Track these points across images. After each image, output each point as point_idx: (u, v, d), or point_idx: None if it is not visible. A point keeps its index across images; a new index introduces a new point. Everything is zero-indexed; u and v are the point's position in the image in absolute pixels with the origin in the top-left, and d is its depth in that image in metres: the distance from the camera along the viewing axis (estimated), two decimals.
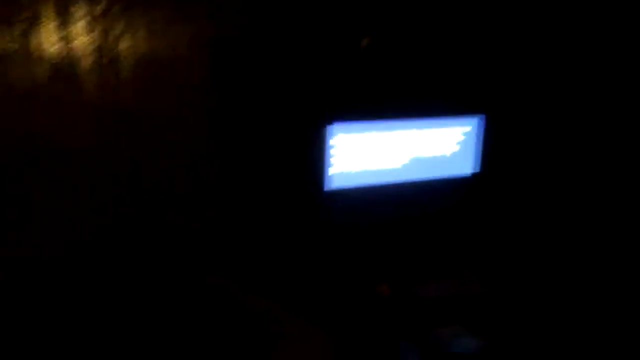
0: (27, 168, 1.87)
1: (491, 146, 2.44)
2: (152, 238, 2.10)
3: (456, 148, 2.38)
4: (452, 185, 2.43)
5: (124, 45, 1.91)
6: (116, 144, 1.97)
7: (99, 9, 1.85)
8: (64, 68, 1.84)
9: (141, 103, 1.97)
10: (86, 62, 1.87)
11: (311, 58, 2.08)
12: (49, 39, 1.81)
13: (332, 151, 2.15)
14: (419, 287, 2.32)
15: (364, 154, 2.22)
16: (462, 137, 2.38)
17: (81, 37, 1.84)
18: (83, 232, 1.98)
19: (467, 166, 2.43)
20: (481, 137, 2.41)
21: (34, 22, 1.77)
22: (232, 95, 2.09)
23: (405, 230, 2.45)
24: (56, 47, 1.82)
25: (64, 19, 1.81)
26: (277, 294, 1.88)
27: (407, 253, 2.47)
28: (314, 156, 2.14)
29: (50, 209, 1.92)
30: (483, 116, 2.39)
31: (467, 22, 2.40)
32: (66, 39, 1.83)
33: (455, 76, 2.34)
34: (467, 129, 2.38)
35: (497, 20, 2.45)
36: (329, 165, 2.16)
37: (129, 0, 1.88)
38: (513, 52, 2.48)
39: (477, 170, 2.45)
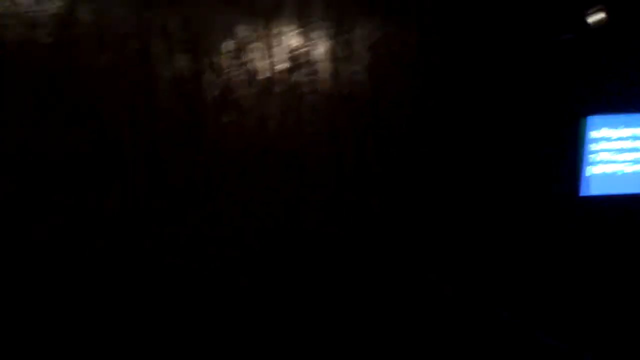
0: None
1: None
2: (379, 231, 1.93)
3: None
4: None
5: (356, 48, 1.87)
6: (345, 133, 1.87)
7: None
8: (302, 58, 1.83)
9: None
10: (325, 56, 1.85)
11: (549, 50, 1.83)
12: (287, 30, 1.81)
13: (591, 149, 1.81)
14: None
15: (628, 154, 1.85)
16: None
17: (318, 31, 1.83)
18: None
19: None
20: None
21: (275, 11, 1.79)
22: (468, 92, 1.89)
23: None
24: (295, 38, 1.81)
25: (303, 18, 1.81)
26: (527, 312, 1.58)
27: None
28: (568, 155, 1.82)
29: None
30: None
31: None
32: (304, 34, 1.82)
33: None
34: None
35: None
36: (587, 166, 1.82)
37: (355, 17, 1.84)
38: None
39: None
